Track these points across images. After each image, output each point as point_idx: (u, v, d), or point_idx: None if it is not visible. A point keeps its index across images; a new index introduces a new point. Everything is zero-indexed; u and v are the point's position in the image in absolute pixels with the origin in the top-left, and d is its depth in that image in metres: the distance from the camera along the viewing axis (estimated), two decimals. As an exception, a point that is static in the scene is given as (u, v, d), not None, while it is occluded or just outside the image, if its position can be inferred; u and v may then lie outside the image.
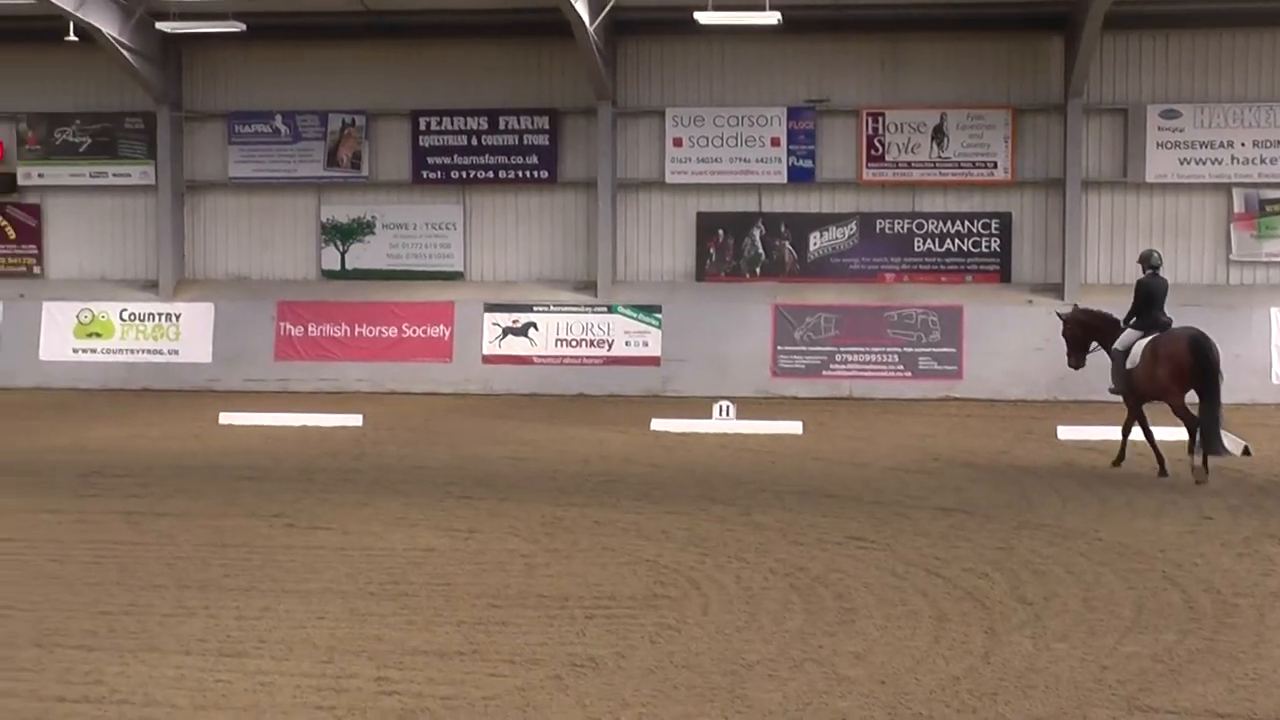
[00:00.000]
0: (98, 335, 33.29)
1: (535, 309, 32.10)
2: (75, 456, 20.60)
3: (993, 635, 10.30)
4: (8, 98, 34.07)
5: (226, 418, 25.23)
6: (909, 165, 31.53)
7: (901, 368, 30.69)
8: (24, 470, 19.07)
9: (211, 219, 33.96)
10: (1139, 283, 19.68)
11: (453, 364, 32.10)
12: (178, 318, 33.17)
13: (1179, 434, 19.55)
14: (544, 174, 32.57)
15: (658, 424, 24.34)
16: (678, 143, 32.11)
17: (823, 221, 31.93)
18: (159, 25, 30.05)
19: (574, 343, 31.89)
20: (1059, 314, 21.67)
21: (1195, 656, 9.78)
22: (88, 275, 34.26)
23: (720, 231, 32.18)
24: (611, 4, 29.41)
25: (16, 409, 28.02)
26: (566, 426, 24.76)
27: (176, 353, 32.99)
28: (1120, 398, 19.63)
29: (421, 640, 10.14)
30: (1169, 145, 30.82)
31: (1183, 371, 18.46)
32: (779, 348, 31.22)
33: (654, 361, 31.53)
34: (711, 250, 32.20)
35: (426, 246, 33.11)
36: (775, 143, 31.81)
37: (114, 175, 33.85)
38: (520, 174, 32.63)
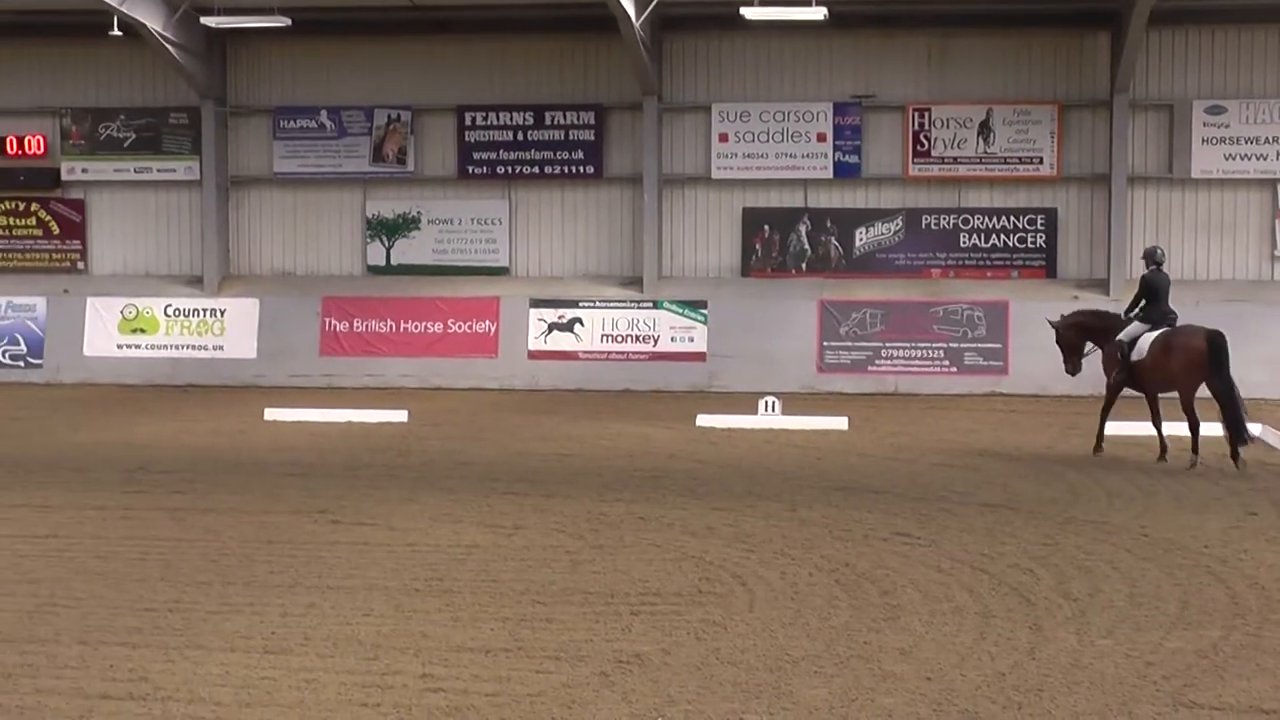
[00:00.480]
0: (142, 331, 33.48)
1: (581, 304, 32.13)
2: (120, 453, 20.72)
3: (1038, 631, 10.27)
4: (51, 93, 34.29)
5: (271, 413, 25.33)
6: (955, 161, 31.44)
7: (947, 363, 30.61)
8: (69, 466, 19.19)
9: (256, 214, 34.10)
10: (1144, 278, 20.26)
11: (498, 359, 32.17)
12: (223, 313, 33.33)
13: (1182, 429, 19.63)
14: (590, 169, 32.60)
15: (703, 420, 24.34)
16: (724, 138, 32.08)
17: (869, 217, 31.87)
18: (204, 20, 30.15)
19: (620, 338, 31.91)
20: (1051, 322, 21.79)
21: (1240, 652, 9.73)
22: (132, 271, 34.45)
23: (766, 227, 32.15)
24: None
25: (61, 405, 28.22)
26: (612, 422, 24.78)
27: (221, 348, 33.15)
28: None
29: (466, 637, 10.16)
30: (1214, 141, 30.65)
31: (1199, 366, 18.95)
32: (825, 343, 31.17)
33: (700, 357, 31.53)
34: (757, 246, 32.17)
35: (472, 242, 33.18)
36: (821, 138, 31.75)
37: (158, 171, 34.01)
38: (566, 169, 32.66)
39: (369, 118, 33.26)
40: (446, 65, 33.03)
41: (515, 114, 32.71)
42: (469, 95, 32.95)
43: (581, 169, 32.63)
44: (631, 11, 28.57)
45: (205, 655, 9.71)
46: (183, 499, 16.39)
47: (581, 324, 32.01)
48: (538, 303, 32.28)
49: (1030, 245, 31.26)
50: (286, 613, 10.89)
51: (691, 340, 31.65)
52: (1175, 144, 30.84)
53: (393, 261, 33.41)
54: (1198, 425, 19.00)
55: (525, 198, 33.09)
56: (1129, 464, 19.34)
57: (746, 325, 31.37)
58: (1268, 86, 30.64)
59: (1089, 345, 20.96)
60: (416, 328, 32.60)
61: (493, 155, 32.87)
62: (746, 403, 25.96)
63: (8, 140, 34.10)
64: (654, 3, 29.21)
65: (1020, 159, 31.22)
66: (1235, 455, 18.69)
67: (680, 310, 31.75)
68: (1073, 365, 21.23)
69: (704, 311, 31.67)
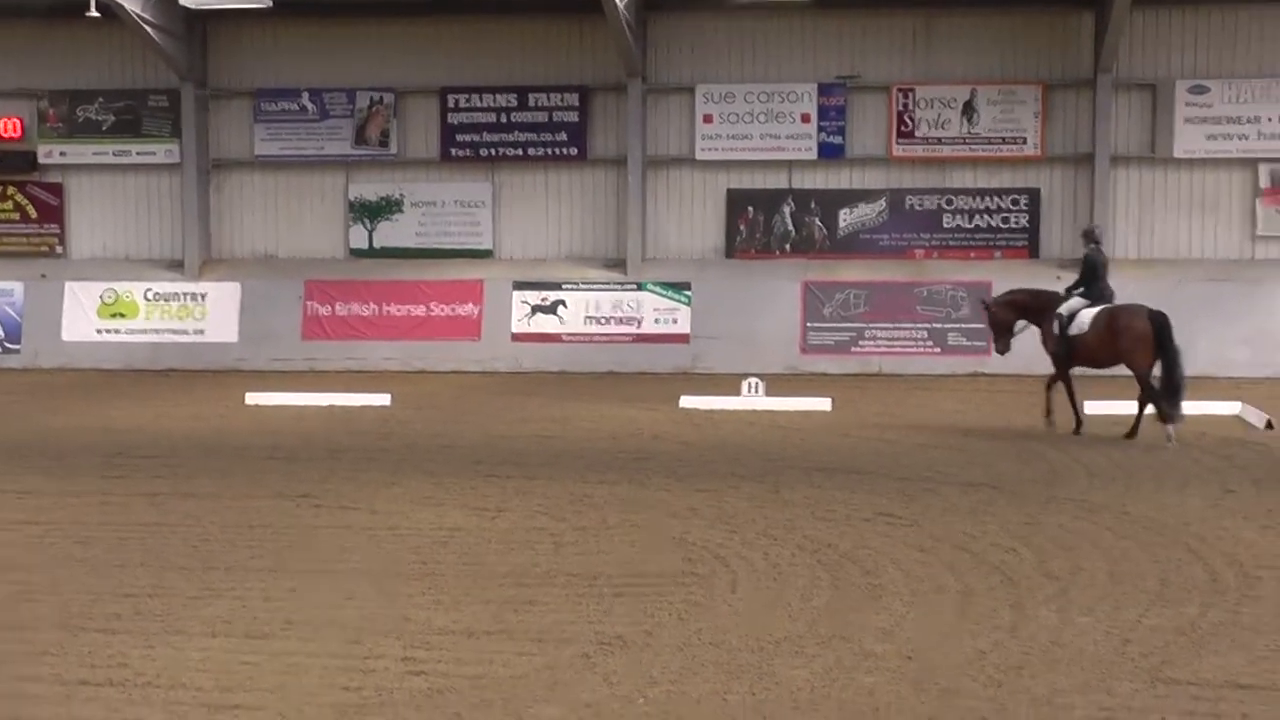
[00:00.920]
0: (122, 315, 33.43)
1: (564, 287, 32.15)
2: (99, 438, 20.69)
3: (1019, 609, 10.32)
4: (28, 75, 34.17)
5: (253, 398, 25.31)
6: (939, 141, 31.49)
7: (931, 344, 30.69)
8: (48, 452, 19.16)
9: (237, 198, 34.05)
10: (1086, 256, 20.99)
11: (481, 342, 32.17)
12: (203, 297, 33.29)
13: (1129, 408, 20.41)
14: (573, 151, 32.60)
15: (687, 401, 24.36)
16: (708, 119, 32.10)
17: (853, 198, 31.91)
18: (183, 1, 30.09)
19: (603, 320, 31.93)
20: (984, 302, 22.41)
21: (1217, 629, 9.80)
22: (111, 255, 34.39)
23: (750, 208, 32.18)
24: (638, -21, 29.40)
25: (39, 390, 28.17)
26: (595, 404, 24.80)
27: (202, 333, 33.12)
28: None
29: (449, 620, 10.18)
30: (1197, 121, 30.76)
31: (1144, 343, 19.76)
32: (808, 324, 31.22)
33: (683, 339, 31.57)
34: (741, 227, 32.20)
35: (455, 224, 33.17)
36: (806, 119, 31.78)
37: (138, 154, 33.95)
38: (550, 151, 32.66)
39: (351, 100, 33.22)
40: (429, 47, 32.99)
41: (498, 96, 32.69)
42: (452, 77, 32.91)
43: (565, 151, 32.63)
44: (614, -8, 28.57)
45: (186, 641, 9.71)
46: (163, 484, 16.38)
47: (565, 306, 32.03)
48: (521, 285, 32.28)
49: (1014, 225, 31.33)
50: (268, 597, 10.90)
51: (675, 322, 31.68)
52: (1158, 124, 30.93)
53: (375, 244, 33.38)
54: (1157, 398, 19.58)
55: (509, 180, 33.08)
56: (1110, 443, 19.41)
57: (730, 307, 31.41)
58: (1250, 66, 30.73)
59: (1020, 324, 21.53)
60: (399, 311, 32.59)
61: (476, 137, 32.85)
62: (730, 384, 26.00)
63: (-15, 123, 34.03)
64: (636, -17, 29.22)
65: (1004, 139, 31.28)
66: (1167, 423, 19.40)
67: (664, 292, 31.78)
68: (1002, 344, 21.80)
69: (688, 293, 31.70)
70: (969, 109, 31.37)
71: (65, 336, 33.44)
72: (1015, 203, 31.39)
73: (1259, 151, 30.72)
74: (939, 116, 31.50)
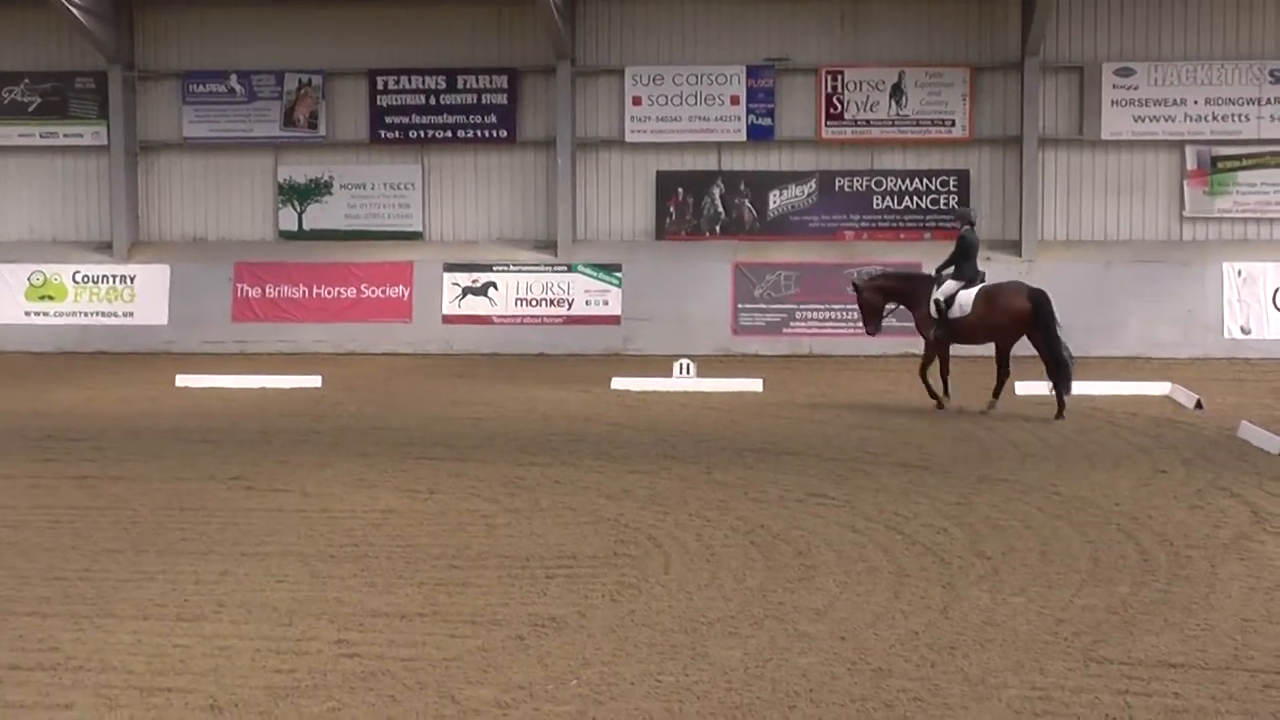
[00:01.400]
0: (50, 298, 33.07)
1: (495, 268, 32.05)
2: (29, 421, 20.46)
3: (951, 590, 10.35)
4: (-45, 58, 33.73)
5: (183, 380, 25.10)
6: (868, 123, 31.57)
7: (861, 325, 30.72)
8: (-21, 435, 18.95)
9: (166, 180, 33.73)
10: (962, 236, 21.27)
11: (413, 324, 32.03)
12: (133, 279, 32.97)
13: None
14: (503, 133, 32.48)
15: (618, 383, 24.34)
16: (637, 101, 32.04)
17: (782, 180, 31.95)
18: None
19: (534, 302, 31.85)
20: (853, 282, 22.78)
21: (1149, 608, 9.86)
22: (39, 237, 34.00)
23: (680, 190, 32.16)
24: (568, -39, 29.29)
25: (-29, 373, 27.83)
26: (527, 386, 24.74)
27: (132, 315, 32.81)
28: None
29: (382, 602, 10.12)
30: (1123, 103, 30.97)
31: (1023, 321, 20.33)
32: (739, 306, 31.26)
33: (614, 320, 31.54)
34: (671, 209, 32.18)
35: (385, 206, 33.00)
36: (735, 101, 31.78)
37: (65, 136, 33.59)
38: (479, 133, 32.53)
39: (279, 82, 32.96)
40: (358, 29, 32.76)
41: (427, 78, 32.53)
42: (381, 59, 32.72)
43: (495, 133, 32.51)
44: (544, -26, 28.46)
45: (117, 624, 9.61)
46: (93, 466, 16.21)
47: (496, 288, 31.93)
48: (452, 267, 32.15)
49: (943, 207, 31.45)
50: (200, 580, 10.80)
51: (606, 304, 31.65)
52: (1085, 106, 31.14)
53: (305, 227, 33.16)
54: (1009, 376, 20.83)
55: (438, 162, 32.92)
56: (1040, 423, 19.53)
57: (661, 288, 31.40)
58: (1176, 49, 30.98)
59: (889, 306, 22.04)
60: (330, 293, 32.39)
61: (405, 119, 32.68)
62: (661, 365, 26.01)
63: (-91, 105, 33.56)
64: (566, -35, 29.11)
65: (933, 121, 31.40)
66: (1060, 405, 20.13)
67: (594, 274, 31.73)
68: (873, 326, 22.18)
69: (618, 275, 31.67)
70: (897, 91, 31.46)
71: (-8, 319, 33.07)
72: (945, 184, 31.52)
73: (1185, 134, 30.99)
74: (868, 99, 31.58)
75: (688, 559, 11.40)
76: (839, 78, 31.61)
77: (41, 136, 33.60)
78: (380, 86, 32.69)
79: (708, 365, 26.55)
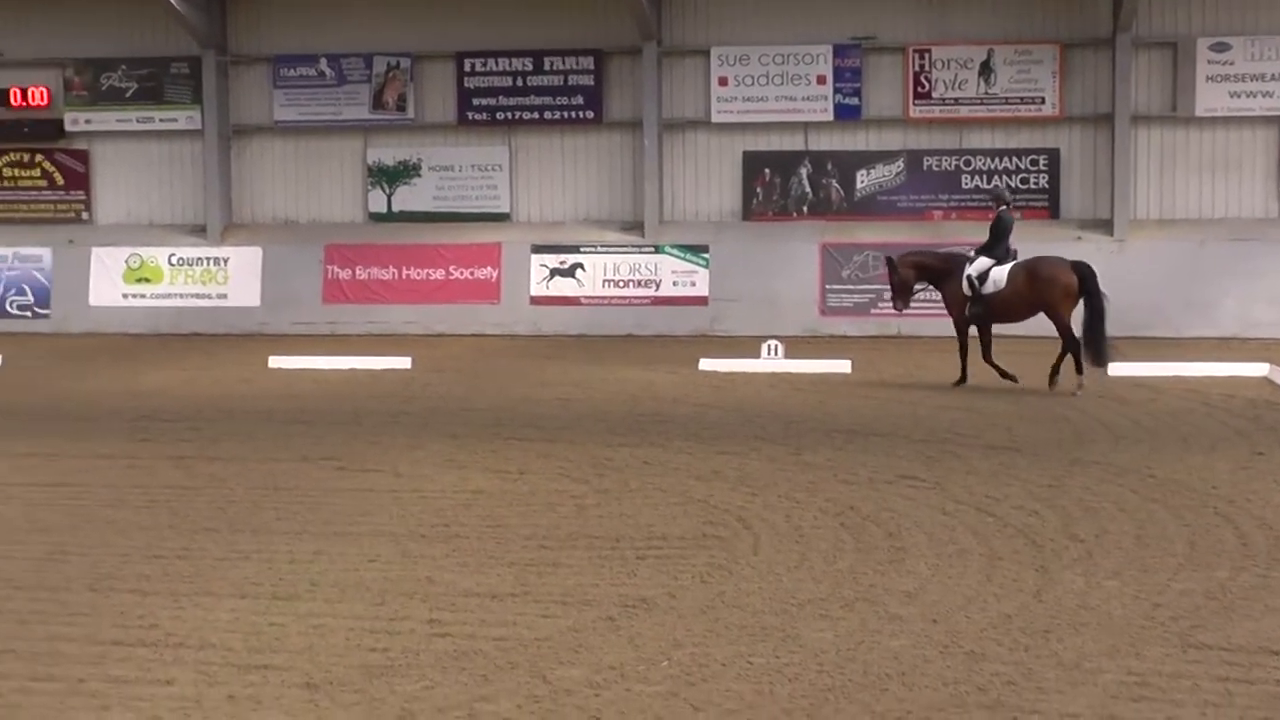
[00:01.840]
0: (147, 280, 33.46)
1: (582, 250, 32.08)
2: (127, 401, 20.70)
3: (1044, 573, 10.25)
4: (54, 44, 34.15)
5: (276, 361, 25.32)
6: (956, 102, 31.31)
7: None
8: (77, 415, 19.19)
9: (258, 163, 34.01)
10: (1001, 216, 21.47)
11: (500, 305, 32.13)
12: (226, 262, 33.30)
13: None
14: (589, 114, 32.49)
15: (706, 364, 24.31)
16: (723, 82, 31.95)
17: (869, 159, 31.76)
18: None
19: (621, 283, 31.86)
20: (890, 258, 22.62)
21: (1248, 593, 9.70)
22: (136, 221, 34.41)
23: (767, 170, 32.05)
24: (656, -58, 29.22)
25: (68, 354, 28.21)
26: (615, 367, 24.76)
27: (225, 297, 33.14)
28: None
29: (473, 582, 10.15)
30: (1219, 79, 30.48)
31: (1072, 294, 20.41)
32: (827, 286, 31.13)
33: (702, 301, 31.49)
34: (758, 189, 32.08)
35: (473, 188, 33.10)
36: (821, 80, 31.61)
37: (160, 120, 33.93)
38: (566, 115, 32.55)
39: (368, 65, 33.13)
40: (445, 11, 32.87)
41: (514, 60, 32.58)
42: (468, 41, 32.80)
43: (581, 114, 32.52)
44: (631, -45, 28.42)
45: (215, 602, 9.70)
46: (189, 447, 16.38)
47: (583, 269, 31.96)
48: (539, 248, 32.21)
49: (1033, 186, 31.15)
50: (294, 559, 10.89)
51: (693, 285, 31.60)
52: (1179, 82, 30.68)
53: (394, 209, 33.33)
54: (1079, 347, 20.40)
55: (525, 143, 32.98)
56: (1134, 404, 19.31)
57: (748, 269, 31.31)
58: (1273, 23, 30.43)
59: (919, 285, 22.19)
60: (419, 274, 32.56)
61: (492, 101, 32.75)
62: (749, 346, 25.94)
63: (11, 92, 34.04)
64: (654, -54, 29.05)
65: (1022, 99, 31.09)
66: (1079, 372, 20.40)
67: (682, 255, 31.69)
68: (903, 303, 22.35)
69: (705, 256, 31.61)
70: (986, 69, 31.18)
71: (92, 301, 33.52)
72: (1034, 163, 31.21)
73: (1283, 109, 30.50)
74: (956, 77, 31.32)
75: (777, 540, 11.36)
76: (926, 56, 31.36)
77: (138, 122, 33.98)
78: (468, 68, 32.78)
79: (795, 346, 26.44)
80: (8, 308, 33.74)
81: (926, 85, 31.36)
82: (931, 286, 22.29)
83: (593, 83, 32.45)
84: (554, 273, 32.06)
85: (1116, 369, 22.02)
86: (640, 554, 10.93)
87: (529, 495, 13.36)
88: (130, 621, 9.26)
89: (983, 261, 21.12)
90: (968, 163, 31.41)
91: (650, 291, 31.75)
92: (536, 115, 32.68)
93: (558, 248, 32.17)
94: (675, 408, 19.55)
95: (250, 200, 34.13)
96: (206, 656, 8.53)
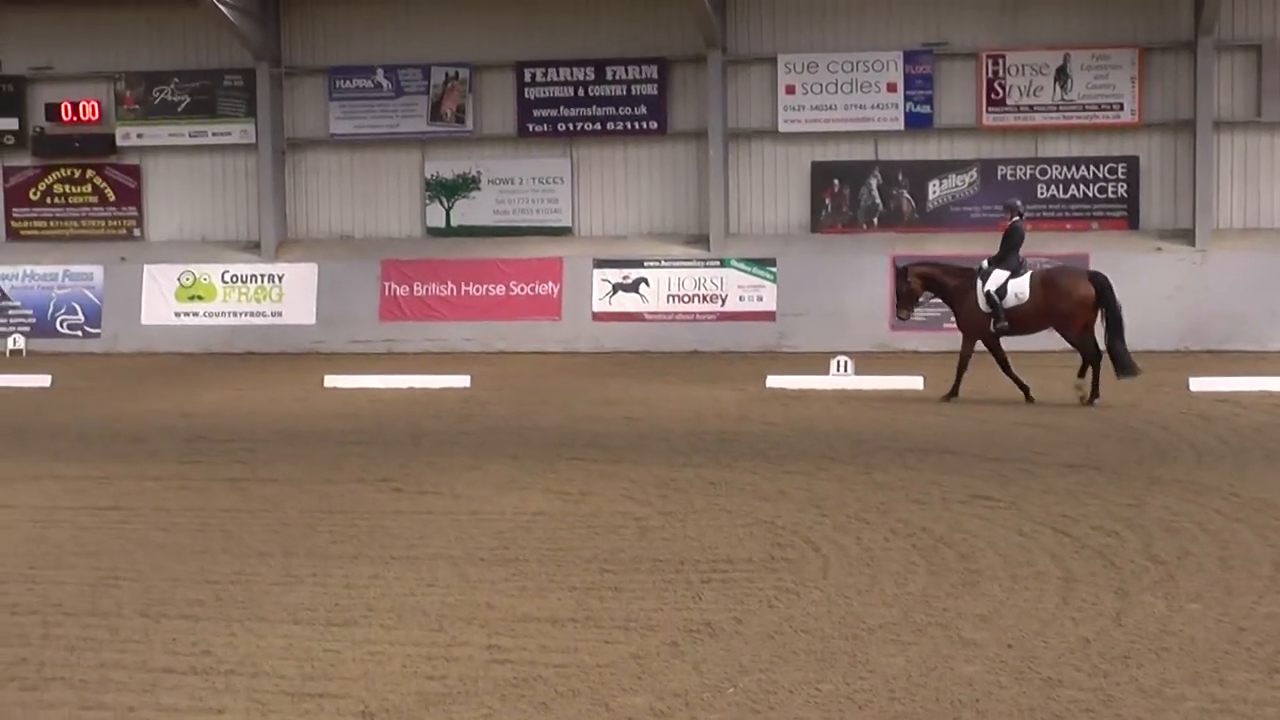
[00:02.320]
0: (200, 298, 33.73)
1: (646, 264, 32.12)
2: (179, 422, 20.87)
3: (1124, 596, 10.17)
4: (105, 57, 34.54)
5: (331, 380, 25.46)
6: (1031, 109, 31.19)
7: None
8: (128, 436, 19.35)
9: (313, 177, 34.27)
10: (1014, 225, 21.87)
11: (562, 322, 32.22)
12: (280, 279, 33.53)
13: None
14: (653, 125, 32.55)
15: (773, 380, 24.28)
16: (790, 90, 31.95)
17: (942, 169, 31.68)
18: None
19: (686, 298, 31.88)
20: (898, 264, 23.20)
21: (1339, 617, 9.61)
22: (188, 237, 34.72)
23: (835, 181, 32.02)
24: (719, -53, 29.26)
25: (119, 374, 28.47)
26: (680, 385, 24.76)
27: (280, 315, 33.37)
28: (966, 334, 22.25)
29: (533, 607, 10.16)
30: (1306, 82, 30.23)
31: (1088, 305, 20.89)
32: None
33: (769, 316, 31.47)
34: (827, 200, 32.05)
35: (533, 201, 33.23)
36: (892, 88, 31.57)
37: (213, 134, 34.24)
38: (629, 125, 32.63)
39: (426, 76, 33.32)
40: (505, 20, 33.03)
41: (576, 69, 32.69)
42: (528, 51, 32.95)
43: (645, 125, 32.59)
44: (694, -39, 28.47)
45: (268, 628, 9.74)
46: (243, 469, 16.48)
47: (647, 284, 32.00)
48: (602, 263, 32.28)
49: (1111, 195, 30.98)
50: (350, 584, 10.92)
51: (760, 299, 31.59)
52: (1264, 86, 30.45)
53: (453, 223, 33.50)
54: (1099, 357, 20.96)
55: (587, 155, 33.08)
56: (1218, 420, 19.14)
57: (817, 283, 31.26)
58: (1362, 24, 30.16)
59: (923, 296, 22.61)
60: (478, 290, 32.69)
61: (553, 112, 32.87)
62: (818, 363, 25.88)
63: (62, 106, 34.42)
64: (717, -49, 29.09)
65: (1099, 106, 30.94)
66: (1095, 385, 20.91)
67: (748, 268, 31.68)
68: (907, 312, 22.88)
69: (773, 269, 31.59)
70: (1062, 75, 31.05)
71: (144, 320, 33.83)
72: (1113, 172, 31.04)
73: (1373, 113, 30.21)
74: (1031, 83, 31.21)
75: (847, 563, 11.32)
76: (1000, 62, 31.26)
77: (191, 135, 34.31)
78: (528, 79, 32.92)
79: (865, 362, 26.37)
80: (58, 327, 34.10)
81: (1000, 92, 31.25)
82: (939, 300, 22.73)
83: (656, 92, 32.51)
84: (617, 288, 32.11)
85: (1198, 384, 21.86)
86: (705, 578, 10.92)
87: (591, 517, 13.36)
88: (182, 648, 9.31)
89: (999, 274, 21.51)
90: (1043, 172, 31.26)
91: (716, 307, 31.75)
92: (599, 126, 32.77)
93: (621, 262, 32.23)
94: (741, 426, 19.53)
95: (305, 215, 34.37)
96: (260, 685, 8.56)
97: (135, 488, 15.32)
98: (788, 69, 31.98)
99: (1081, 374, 21.21)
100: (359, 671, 8.75)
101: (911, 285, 22.37)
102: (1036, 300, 21.24)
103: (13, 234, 35.24)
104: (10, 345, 33.19)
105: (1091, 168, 31.17)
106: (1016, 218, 22.03)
